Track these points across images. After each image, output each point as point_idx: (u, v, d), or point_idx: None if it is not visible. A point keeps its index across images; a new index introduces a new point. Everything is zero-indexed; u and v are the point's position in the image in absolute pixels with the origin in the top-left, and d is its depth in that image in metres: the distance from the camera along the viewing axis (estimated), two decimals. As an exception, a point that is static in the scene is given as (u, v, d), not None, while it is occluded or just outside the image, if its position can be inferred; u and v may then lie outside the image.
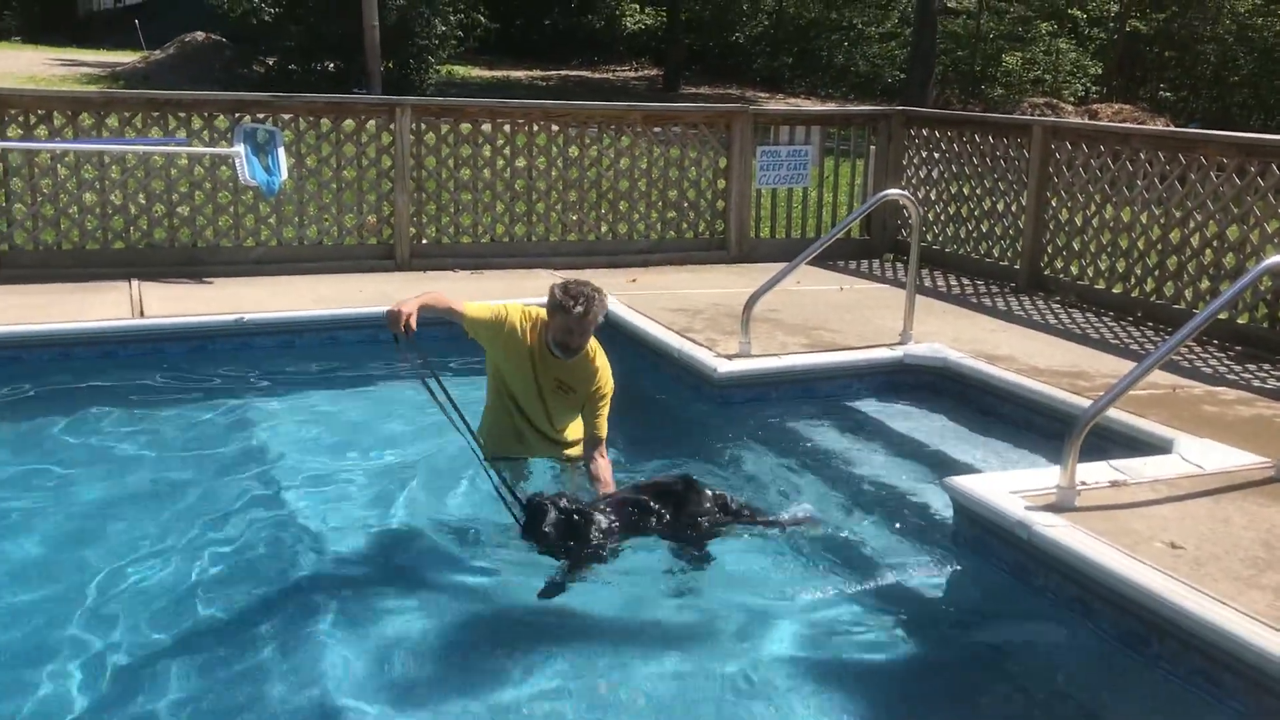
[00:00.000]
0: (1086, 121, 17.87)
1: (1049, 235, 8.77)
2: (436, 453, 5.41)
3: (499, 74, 31.67)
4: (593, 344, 4.94)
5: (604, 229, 9.69)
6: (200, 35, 24.28)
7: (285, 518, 5.11)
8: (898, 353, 6.74)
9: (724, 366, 6.37)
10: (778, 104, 31.18)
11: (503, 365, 5.01)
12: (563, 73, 34.29)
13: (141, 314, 7.20)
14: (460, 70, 29.44)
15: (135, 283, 7.98)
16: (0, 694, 3.72)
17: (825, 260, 9.86)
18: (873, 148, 10.30)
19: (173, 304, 7.52)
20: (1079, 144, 8.42)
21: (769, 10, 34.99)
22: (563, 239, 9.55)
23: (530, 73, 33.28)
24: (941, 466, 5.58)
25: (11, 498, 5.21)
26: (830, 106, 20.54)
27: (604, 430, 5.04)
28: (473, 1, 24.89)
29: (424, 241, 9.14)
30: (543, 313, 4.92)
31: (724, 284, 8.89)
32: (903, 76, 33.06)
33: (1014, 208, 9.07)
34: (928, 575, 4.67)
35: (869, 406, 6.49)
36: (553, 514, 4.36)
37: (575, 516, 4.40)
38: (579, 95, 28.64)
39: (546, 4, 35.02)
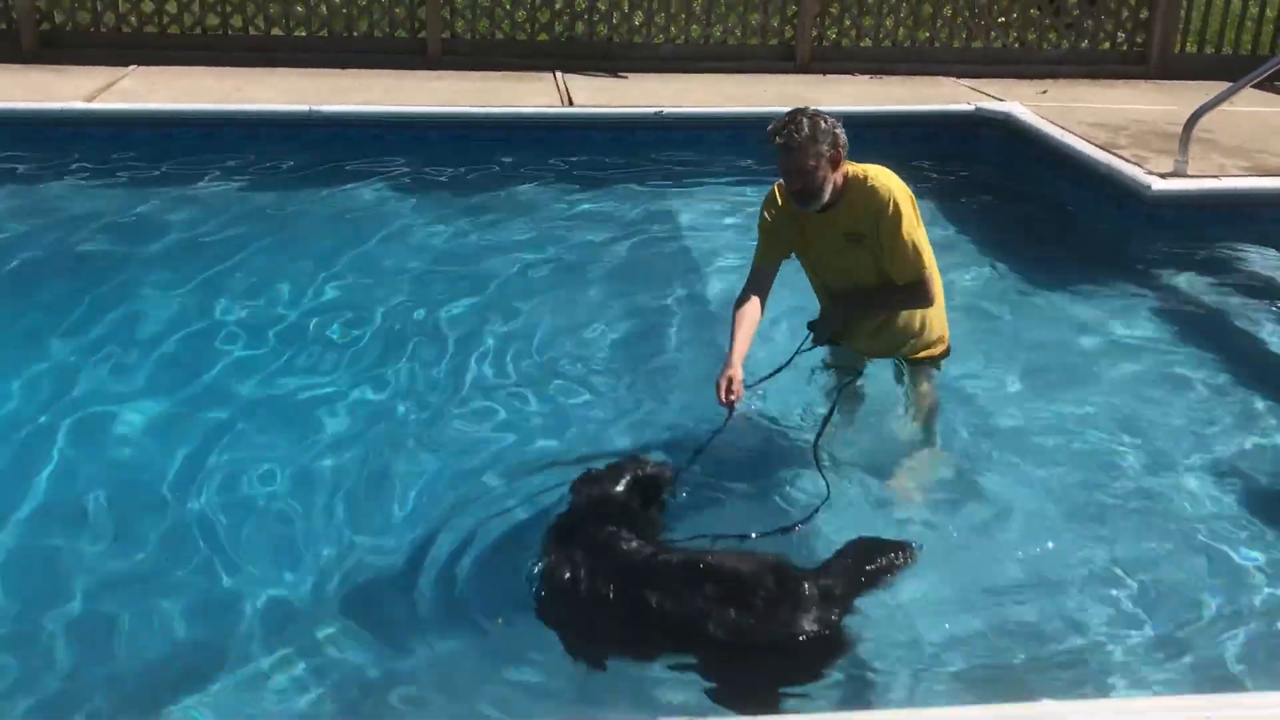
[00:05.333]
0: None
1: None
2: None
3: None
4: (860, 169, 3.78)
5: (1012, 36, 9.23)
6: None
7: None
8: (1359, 183, 6.14)
9: (1158, 184, 6.05)
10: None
11: (799, 253, 4.02)
12: None
13: (570, 103, 7.68)
14: None
15: (559, 74, 8.49)
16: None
17: (1266, 81, 8.96)
18: (1334, -48, 9.09)
19: (596, 94, 7.96)
20: None
21: None
22: (967, 45, 9.20)
23: None
24: None
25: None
26: None
27: (913, 266, 3.76)
28: None
29: (824, 44, 9.08)
30: None
31: (1144, 100, 8.33)
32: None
33: None
34: None
35: (1320, 241, 5.99)
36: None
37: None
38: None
39: None
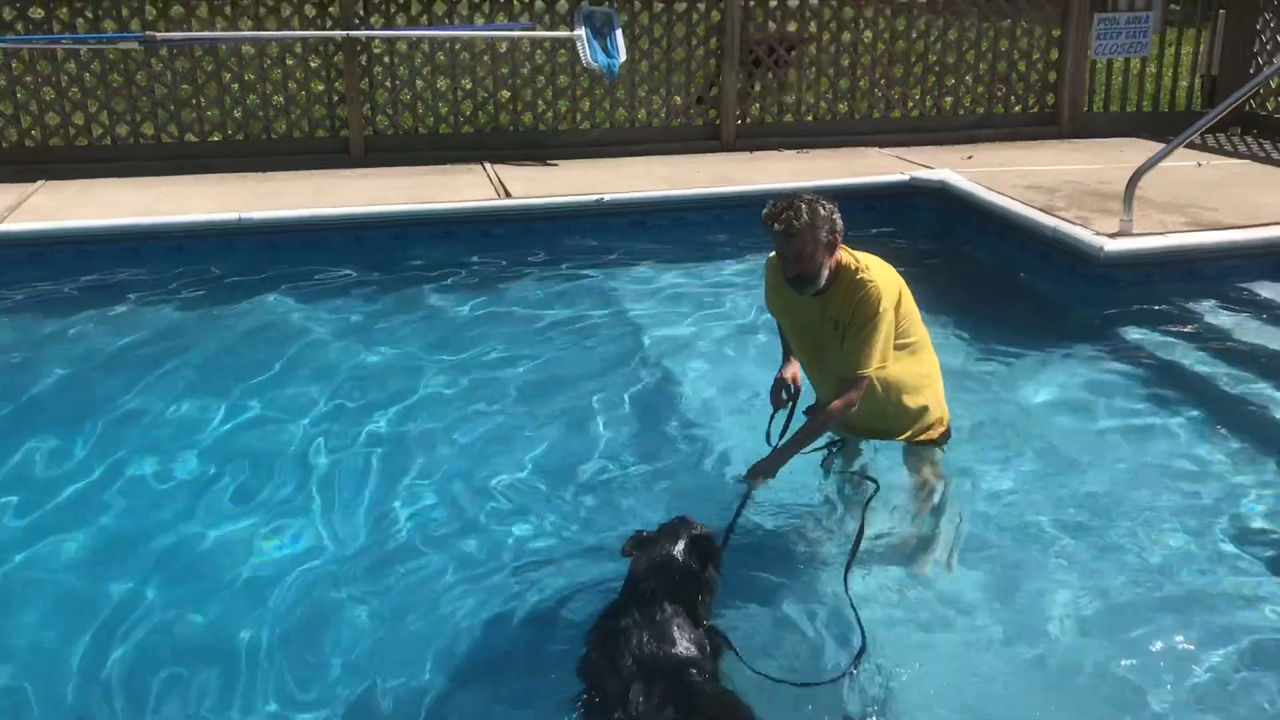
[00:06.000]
0: None
1: None
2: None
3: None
4: (856, 259, 3.75)
5: (929, 104, 9.42)
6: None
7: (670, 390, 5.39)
8: (1296, 232, 6.32)
9: (1110, 245, 6.13)
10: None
11: (785, 327, 4.11)
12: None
13: (507, 194, 7.52)
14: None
15: (488, 165, 8.34)
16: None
17: (1165, 134, 9.26)
18: (1222, 11, 9.53)
19: (531, 183, 7.82)
20: None
21: None
22: (887, 116, 9.35)
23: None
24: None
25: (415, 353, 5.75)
26: None
27: (858, 360, 3.66)
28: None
29: (748, 122, 9.13)
30: None
31: (1065, 160, 8.53)
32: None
33: (1399, 74, 8.25)
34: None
35: (1266, 290, 6.14)
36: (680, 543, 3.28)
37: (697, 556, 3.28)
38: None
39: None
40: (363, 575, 3.85)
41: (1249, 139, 9.14)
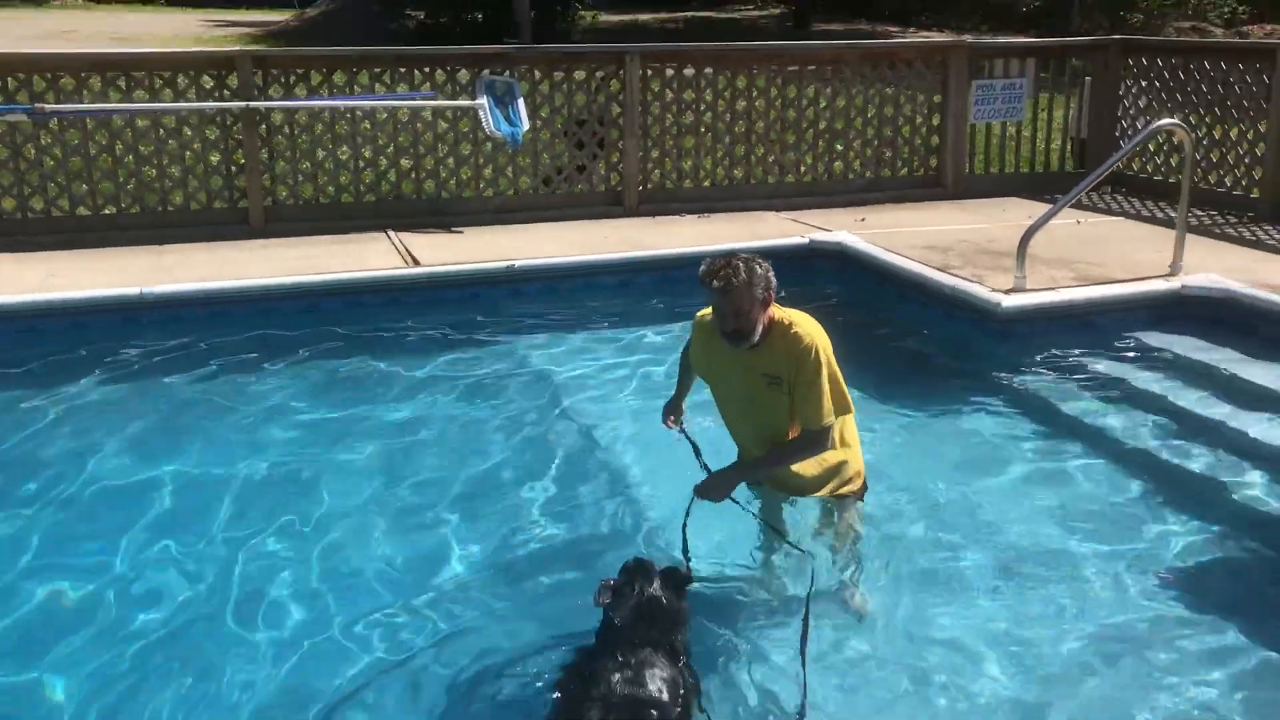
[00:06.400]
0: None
1: (1293, 162, 8.56)
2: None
3: (626, 18, 31.64)
4: (786, 314, 3.95)
5: (820, 169, 9.74)
6: (349, -9, 24.74)
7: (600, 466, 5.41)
8: (1174, 284, 6.71)
9: (1007, 301, 6.42)
10: (911, 38, 30.59)
11: (711, 388, 4.26)
12: (687, 14, 34.06)
13: (415, 262, 7.50)
14: (587, 16, 29.52)
15: (392, 233, 8.31)
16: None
17: (1042, 194, 9.82)
18: (1088, 79, 10.12)
19: (437, 251, 7.82)
20: (1331, 67, 8.19)
21: (897, -58, 34.12)
22: (781, 180, 9.63)
23: (656, 15, 33.15)
24: (1257, 399, 5.61)
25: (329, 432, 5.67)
26: (1045, 38, 19.28)
27: (819, 414, 3.88)
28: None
29: (649, 187, 9.31)
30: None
31: (952, 220, 8.89)
32: (1038, 4, 32.12)
33: (1250, 135, 8.86)
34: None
35: (1152, 339, 6.47)
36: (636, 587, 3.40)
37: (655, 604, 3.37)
38: (710, 35, 28.45)
39: (666, -55, 34.70)
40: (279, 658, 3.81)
41: (1119, 197, 9.67)
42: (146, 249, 7.77)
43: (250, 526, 4.69)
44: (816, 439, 3.96)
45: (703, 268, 3.83)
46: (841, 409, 4.05)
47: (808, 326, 3.95)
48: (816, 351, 3.88)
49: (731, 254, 3.86)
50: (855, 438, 4.31)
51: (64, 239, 7.79)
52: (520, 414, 5.97)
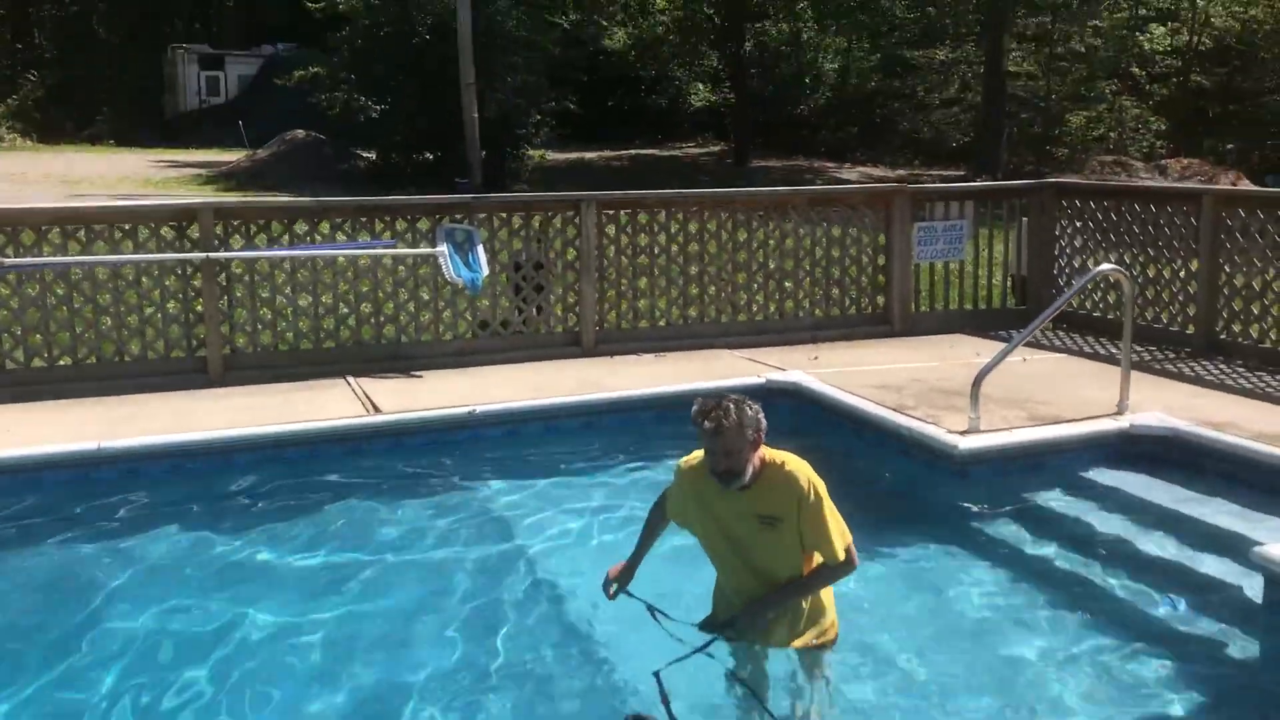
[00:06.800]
0: (1256, 189, 18.52)
1: (1223, 300, 8.94)
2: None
3: (573, 156, 32.50)
4: (775, 454, 4.09)
5: (772, 309, 9.98)
6: (301, 133, 25.18)
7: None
8: (1122, 423, 6.91)
9: (964, 443, 6.56)
10: (846, 173, 31.71)
11: (695, 533, 4.31)
12: (631, 152, 35.10)
13: (376, 410, 7.52)
14: (535, 154, 30.29)
15: (352, 379, 8.33)
16: None
17: (986, 330, 10.13)
18: (1024, 219, 10.55)
19: (397, 397, 7.84)
20: (1253, 211, 8.63)
21: (831, 83, 35.64)
22: (733, 320, 9.84)
23: (601, 153, 34.10)
24: (1208, 538, 5.75)
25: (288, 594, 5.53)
26: (982, 183, 18.96)
27: (839, 544, 4.05)
28: (564, 91, 25.67)
29: (605, 327, 9.46)
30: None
31: (903, 358, 9.11)
32: (967, 141, 33.55)
33: (1182, 274, 9.26)
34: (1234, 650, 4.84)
35: (1102, 477, 6.62)
36: None
37: None
38: (654, 173, 29.29)
39: (610, 87, 35.93)
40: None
41: (1061, 333, 9.99)
42: (102, 400, 7.70)
43: (204, 681, 4.60)
44: (840, 566, 4.12)
45: (694, 408, 3.98)
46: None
47: (800, 465, 4.09)
48: (816, 488, 4.03)
49: (722, 395, 4.01)
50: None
51: (17, 392, 7.70)
52: (481, 562, 5.92)
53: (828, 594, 4.33)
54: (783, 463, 4.06)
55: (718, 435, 3.90)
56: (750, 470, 3.98)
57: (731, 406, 3.92)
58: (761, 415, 3.99)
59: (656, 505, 4.50)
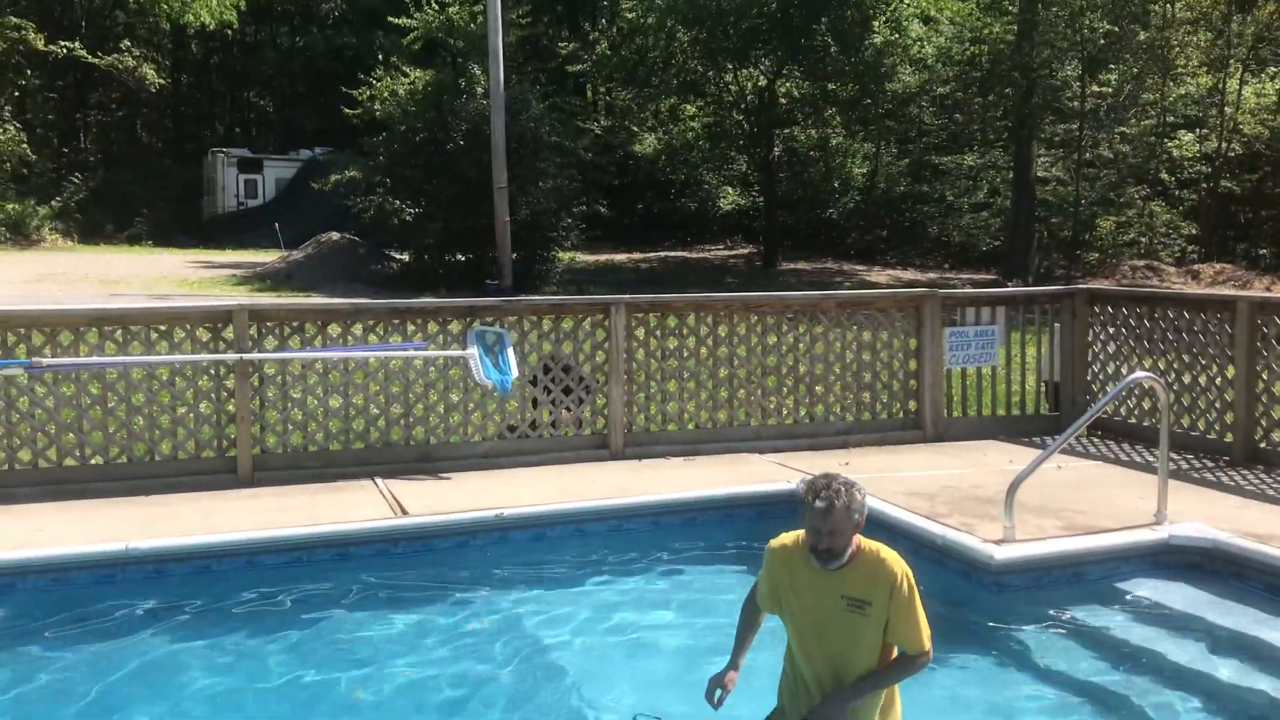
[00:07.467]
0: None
1: (1262, 408, 8.82)
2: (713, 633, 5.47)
3: (602, 258, 32.87)
4: (871, 544, 4.17)
5: (802, 413, 9.93)
6: (335, 235, 25.66)
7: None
8: (1161, 534, 6.78)
9: (1000, 553, 6.44)
10: (875, 275, 31.86)
11: (783, 615, 4.31)
12: (661, 254, 35.47)
13: (403, 512, 7.49)
14: (565, 256, 30.65)
15: (380, 480, 8.32)
16: None
17: (1019, 436, 10.03)
18: (1056, 325, 10.51)
19: (425, 499, 7.81)
20: (1291, 317, 8.57)
21: (860, 187, 36.03)
22: (763, 424, 9.79)
23: (631, 255, 34.48)
24: (1264, 658, 5.58)
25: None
26: (1013, 288, 18.86)
27: (920, 636, 4.11)
28: (595, 195, 26.11)
29: (634, 430, 9.44)
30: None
31: (935, 465, 9.01)
32: (997, 245, 33.68)
33: (1218, 381, 9.16)
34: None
35: (1142, 589, 6.49)
36: None
37: None
38: (682, 275, 29.54)
39: (640, 190, 36.49)
40: None
41: (1095, 440, 9.87)
42: (131, 500, 7.72)
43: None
44: (918, 660, 4.16)
45: (803, 485, 4.11)
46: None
47: (894, 555, 4.20)
48: (909, 579, 4.12)
49: (832, 475, 4.10)
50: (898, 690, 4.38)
51: (49, 490, 7.74)
52: (506, 661, 5.86)
53: (896, 692, 4.34)
54: (877, 550, 4.17)
55: (827, 515, 3.99)
56: (849, 552, 4.08)
57: (842, 489, 4.03)
58: (867, 501, 4.12)
59: (748, 599, 4.52)
